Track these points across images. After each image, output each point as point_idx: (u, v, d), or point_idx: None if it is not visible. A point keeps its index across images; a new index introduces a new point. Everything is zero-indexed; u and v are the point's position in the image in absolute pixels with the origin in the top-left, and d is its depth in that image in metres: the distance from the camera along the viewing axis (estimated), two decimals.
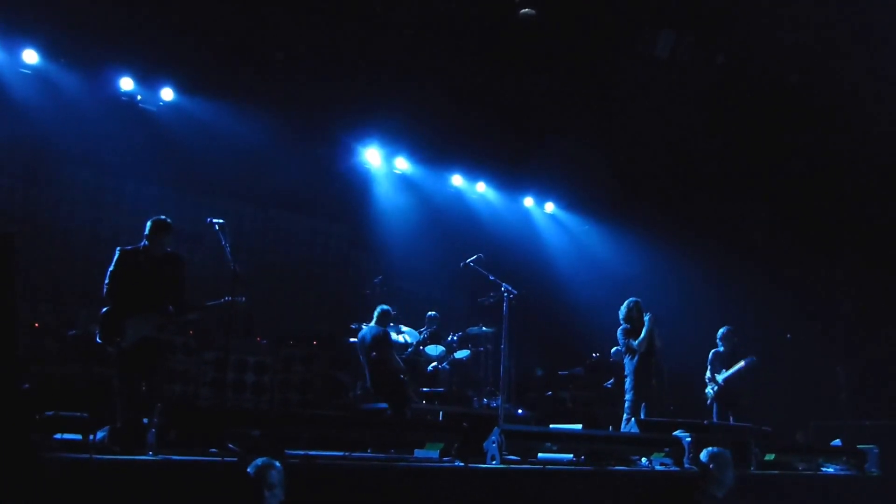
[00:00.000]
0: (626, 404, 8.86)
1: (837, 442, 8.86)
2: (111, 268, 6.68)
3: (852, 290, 13.03)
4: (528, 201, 15.18)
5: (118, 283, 6.62)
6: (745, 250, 13.49)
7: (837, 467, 8.25)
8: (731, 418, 9.45)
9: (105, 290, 6.63)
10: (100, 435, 4.90)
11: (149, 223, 6.80)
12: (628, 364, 8.98)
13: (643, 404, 8.76)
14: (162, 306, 6.70)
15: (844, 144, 11.78)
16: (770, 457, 7.59)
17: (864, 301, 12.91)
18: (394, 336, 10.57)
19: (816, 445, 9.59)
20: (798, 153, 12.33)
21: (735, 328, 9.95)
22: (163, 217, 6.84)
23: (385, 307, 9.84)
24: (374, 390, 9.58)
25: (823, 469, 8.16)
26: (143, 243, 6.78)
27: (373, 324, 9.70)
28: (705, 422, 8.40)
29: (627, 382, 8.94)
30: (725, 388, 9.61)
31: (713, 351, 9.86)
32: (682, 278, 13.22)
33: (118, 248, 6.80)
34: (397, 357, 9.82)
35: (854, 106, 10.87)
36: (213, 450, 4.91)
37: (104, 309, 6.58)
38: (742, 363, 9.49)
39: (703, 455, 6.27)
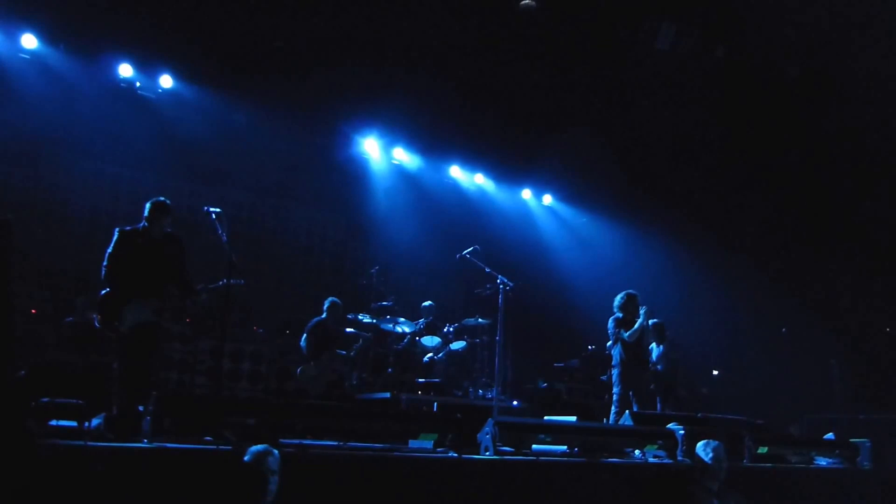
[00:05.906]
0: (615, 397, 8.79)
1: (830, 435, 8.88)
2: (110, 249, 6.49)
3: (847, 284, 13.06)
4: (526, 193, 15.19)
5: (117, 265, 6.45)
6: (742, 244, 13.51)
7: (830, 460, 8.27)
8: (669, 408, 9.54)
9: (104, 272, 6.44)
10: (95, 422, 4.89)
11: (148, 205, 6.68)
12: (616, 354, 8.88)
13: (633, 396, 8.75)
14: (162, 290, 6.58)
15: (843, 139, 11.79)
16: (763, 450, 7.61)
17: (858, 295, 12.95)
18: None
19: (809, 438, 9.62)
20: (797, 148, 12.34)
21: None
22: (162, 199, 6.72)
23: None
24: None
25: (816, 462, 8.20)
26: (142, 224, 6.65)
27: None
28: (699, 414, 8.43)
29: (614, 374, 8.86)
30: (658, 379, 9.74)
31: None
32: (678, 271, 13.24)
33: (117, 229, 6.62)
34: (342, 352, 10.22)
35: (855, 100, 10.87)
36: (208, 438, 4.93)
37: (103, 292, 6.42)
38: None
39: (700, 447, 6.29)
